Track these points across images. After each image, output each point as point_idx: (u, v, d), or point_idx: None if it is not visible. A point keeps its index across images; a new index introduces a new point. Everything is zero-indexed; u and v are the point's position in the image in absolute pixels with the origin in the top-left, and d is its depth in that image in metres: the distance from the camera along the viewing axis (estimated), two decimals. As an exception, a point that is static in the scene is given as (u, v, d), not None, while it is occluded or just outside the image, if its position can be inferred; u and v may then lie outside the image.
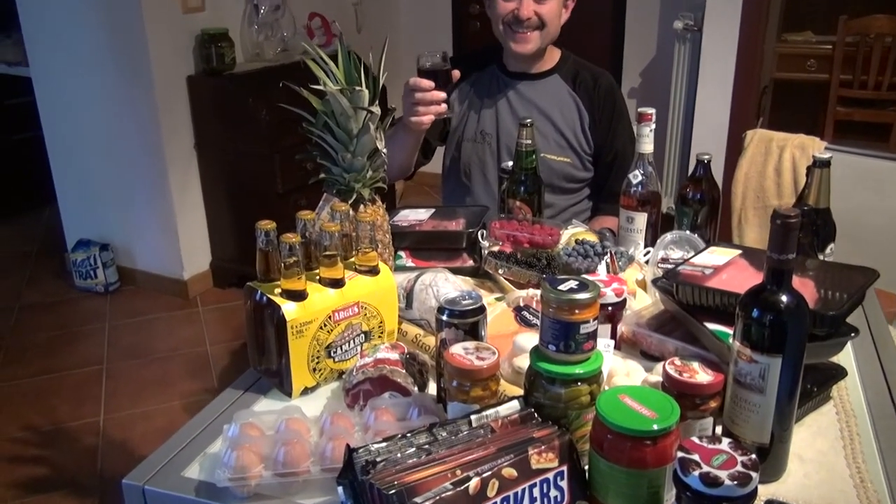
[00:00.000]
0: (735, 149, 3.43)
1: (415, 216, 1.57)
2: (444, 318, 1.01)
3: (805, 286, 1.08)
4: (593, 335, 0.90)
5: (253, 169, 3.07)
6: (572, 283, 0.91)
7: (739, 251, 1.15)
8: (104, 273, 3.25)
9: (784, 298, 0.85)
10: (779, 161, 2.01)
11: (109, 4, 2.90)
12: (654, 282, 1.17)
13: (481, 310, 1.02)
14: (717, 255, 1.13)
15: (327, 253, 1.11)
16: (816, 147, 1.98)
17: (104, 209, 3.31)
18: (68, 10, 2.98)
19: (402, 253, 1.49)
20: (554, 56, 1.85)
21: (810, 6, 4.44)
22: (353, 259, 1.18)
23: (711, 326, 1.01)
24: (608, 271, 1.31)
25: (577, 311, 0.88)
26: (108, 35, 2.95)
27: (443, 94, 1.56)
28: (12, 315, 3.12)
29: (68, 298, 3.27)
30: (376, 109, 1.25)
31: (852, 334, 0.99)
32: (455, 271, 1.44)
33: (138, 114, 3.02)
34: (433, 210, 1.60)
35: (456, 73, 1.60)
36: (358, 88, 1.25)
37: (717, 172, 3.28)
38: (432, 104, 1.55)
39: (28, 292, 3.33)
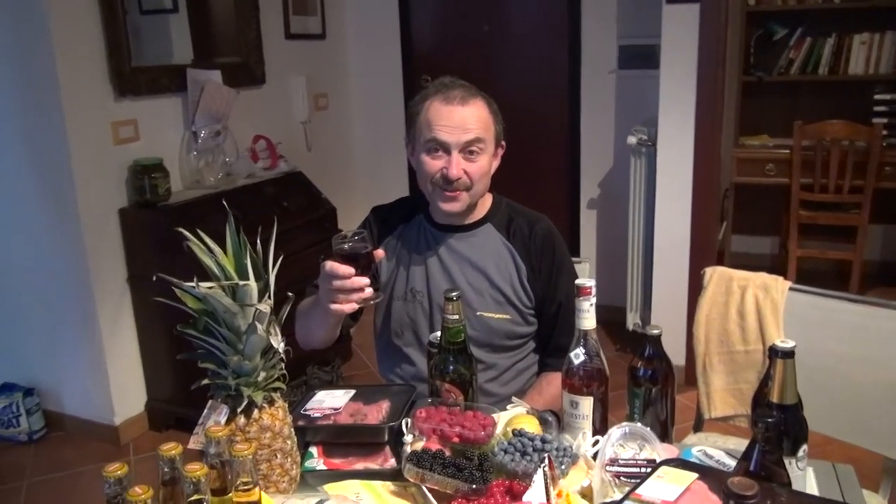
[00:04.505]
0: (698, 259, 3.33)
1: (331, 402, 1.37)
2: None
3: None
4: None
5: (189, 304, 2.87)
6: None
7: (696, 475, 0.97)
8: (28, 420, 2.98)
9: None
10: (741, 302, 1.85)
11: (35, 139, 2.75)
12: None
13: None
14: (669, 484, 0.95)
15: (192, 499, 0.91)
16: (780, 287, 1.82)
17: (31, 350, 3.07)
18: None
19: (313, 450, 1.29)
20: (485, 203, 1.70)
21: (765, 111, 4.44)
22: (230, 495, 0.98)
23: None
24: (545, 485, 1.11)
25: None
26: (34, 170, 2.79)
27: (365, 280, 1.38)
28: (-77, 472, 2.84)
29: (-12, 450, 2.99)
30: (265, 307, 1.07)
31: None
32: (375, 475, 1.25)
33: (66, 249, 2.83)
34: (353, 392, 1.40)
35: (379, 254, 1.44)
36: (243, 283, 1.07)
37: (682, 290, 3.17)
38: (353, 291, 1.38)
39: (-56, 442, 3.05)
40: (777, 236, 4.60)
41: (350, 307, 1.39)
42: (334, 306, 1.39)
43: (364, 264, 1.39)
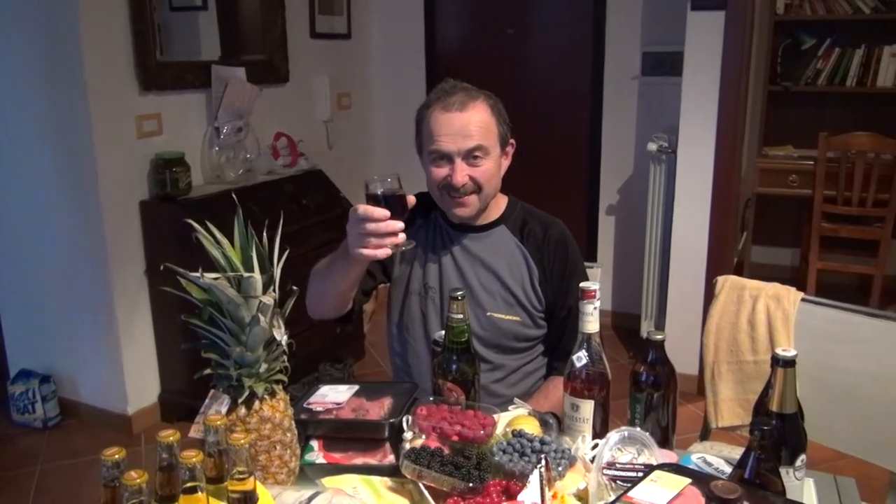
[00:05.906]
0: (714, 269, 3.30)
1: (333, 397, 1.38)
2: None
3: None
4: None
5: (205, 298, 2.90)
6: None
7: (689, 480, 0.96)
8: (43, 408, 3.03)
9: None
10: (752, 312, 1.84)
11: (60, 129, 2.80)
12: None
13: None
14: (662, 488, 0.94)
15: (187, 485, 0.92)
16: (792, 298, 1.80)
17: (49, 337, 3.12)
18: (17, 131, 2.87)
19: (314, 443, 1.30)
20: (500, 205, 1.71)
21: (791, 122, 4.40)
22: (226, 483, 0.99)
23: None
24: (541, 486, 1.11)
25: None
26: (58, 160, 2.84)
27: (399, 224, 1.33)
28: (-60, 456, 2.89)
29: (3, 435, 3.03)
30: (268, 299, 1.09)
31: None
32: (374, 470, 1.25)
33: (86, 239, 2.88)
34: (356, 387, 1.41)
35: (411, 199, 1.39)
36: (248, 275, 1.09)
37: (698, 299, 3.14)
38: (388, 235, 1.33)
39: (-39, 426, 3.11)
40: (798, 248, 4.55)
41: (383, 252, 1.34)
42: (366, 251, 1.34)
43: (399, 209, 1.34)
